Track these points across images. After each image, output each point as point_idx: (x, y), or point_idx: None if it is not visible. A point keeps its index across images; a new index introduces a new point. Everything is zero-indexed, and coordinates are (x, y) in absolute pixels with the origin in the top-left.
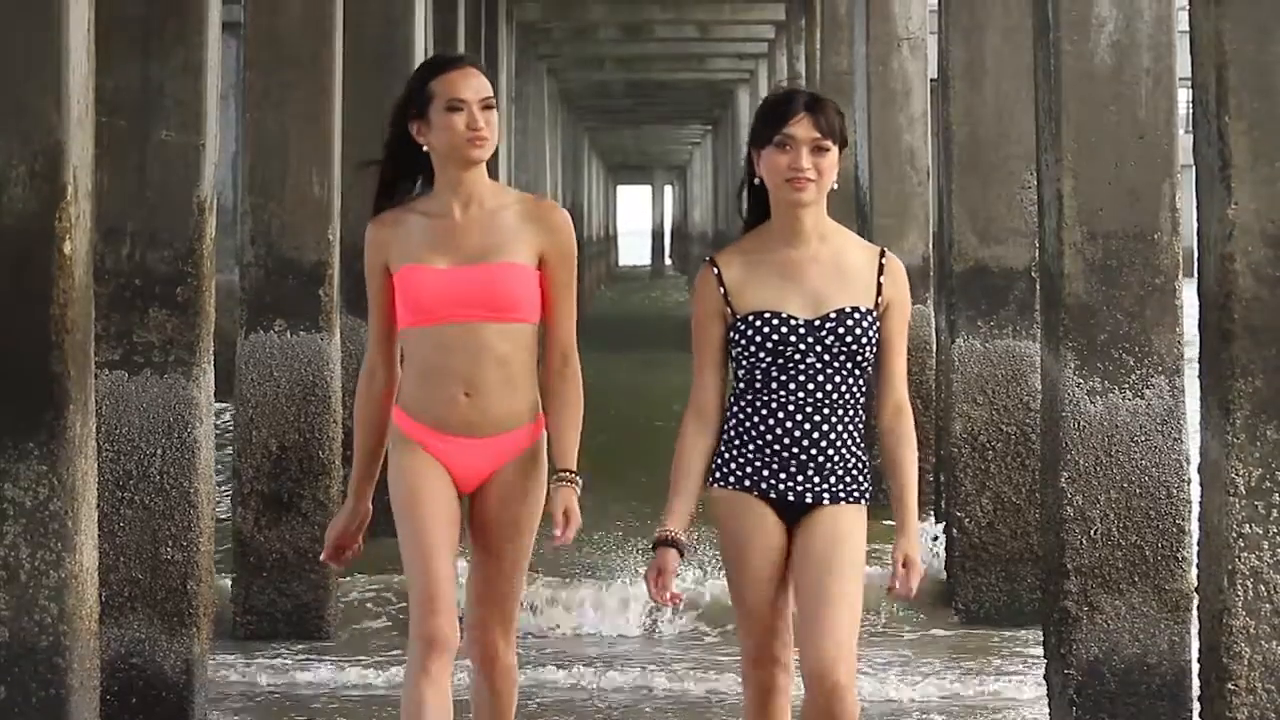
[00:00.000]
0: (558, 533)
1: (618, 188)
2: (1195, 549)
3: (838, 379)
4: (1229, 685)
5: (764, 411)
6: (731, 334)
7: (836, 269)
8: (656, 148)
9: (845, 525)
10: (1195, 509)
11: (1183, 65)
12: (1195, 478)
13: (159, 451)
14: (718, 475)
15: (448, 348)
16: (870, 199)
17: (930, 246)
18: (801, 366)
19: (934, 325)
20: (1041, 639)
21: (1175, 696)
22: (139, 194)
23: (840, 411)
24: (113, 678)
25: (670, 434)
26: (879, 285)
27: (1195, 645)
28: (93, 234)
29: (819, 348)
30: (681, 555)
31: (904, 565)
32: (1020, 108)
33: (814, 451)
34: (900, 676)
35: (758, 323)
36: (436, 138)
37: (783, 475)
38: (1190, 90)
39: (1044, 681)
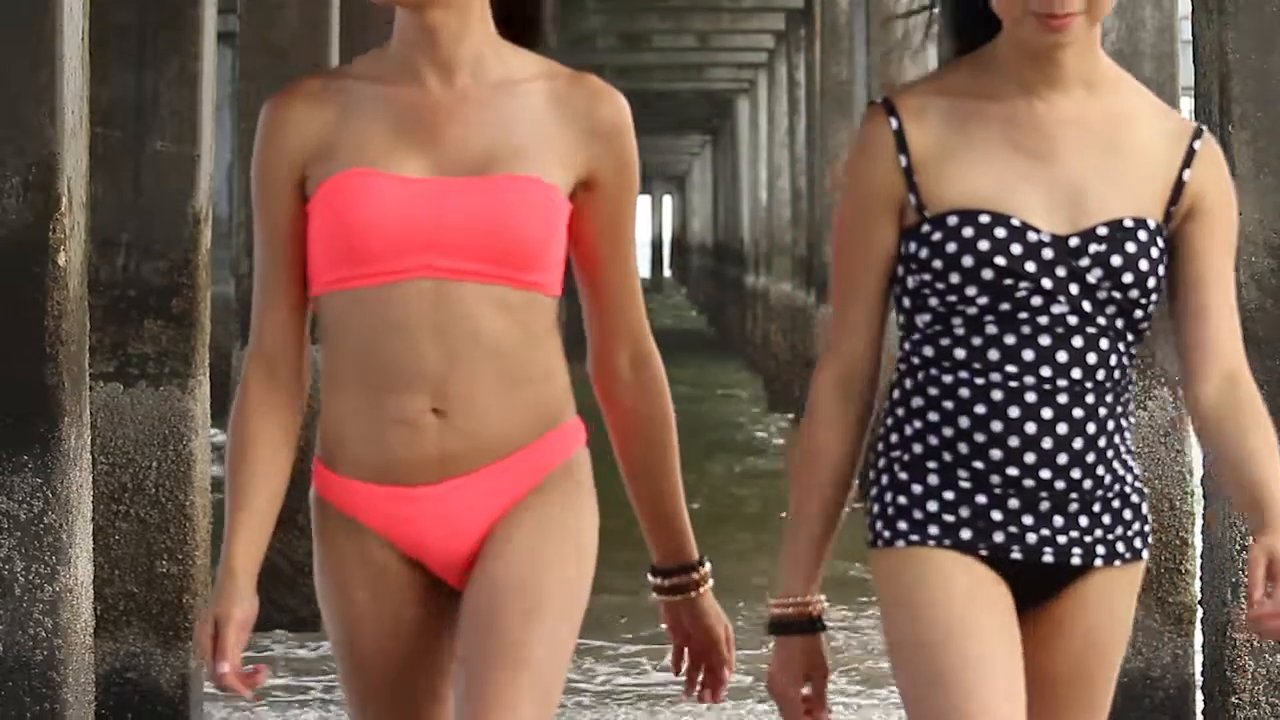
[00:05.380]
0: (727, 672)
1: None
2: (1199, 562)
3: (1104, 344)
4: (1232, 699)
5: (978, 408)
6: (913, 247)
7: (1112, 145)
8: (655, 158)
9: (1121, 604)
10: (1199, 522)
11: (1185, 75)
12: (1198, 490)
13: (154, 464)
14: (903, 526)
15: (402, 326)
16: None
17: None
18: (1042, 321)
19: None
20: None
21: (1179, 710)
22: (134, 205)
23: (1109, 400)
24: (108, 692)
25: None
26: (1178, 183)
27: (1199, 659)
28: (87, 245)
29: (1075, 286)
30: (824, 631)
31: (1270, 571)
32: None
33: (1077, 474)
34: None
35: (967, 231)
36: None
37: (1029, 520)
38: (1193, 100)
39: None
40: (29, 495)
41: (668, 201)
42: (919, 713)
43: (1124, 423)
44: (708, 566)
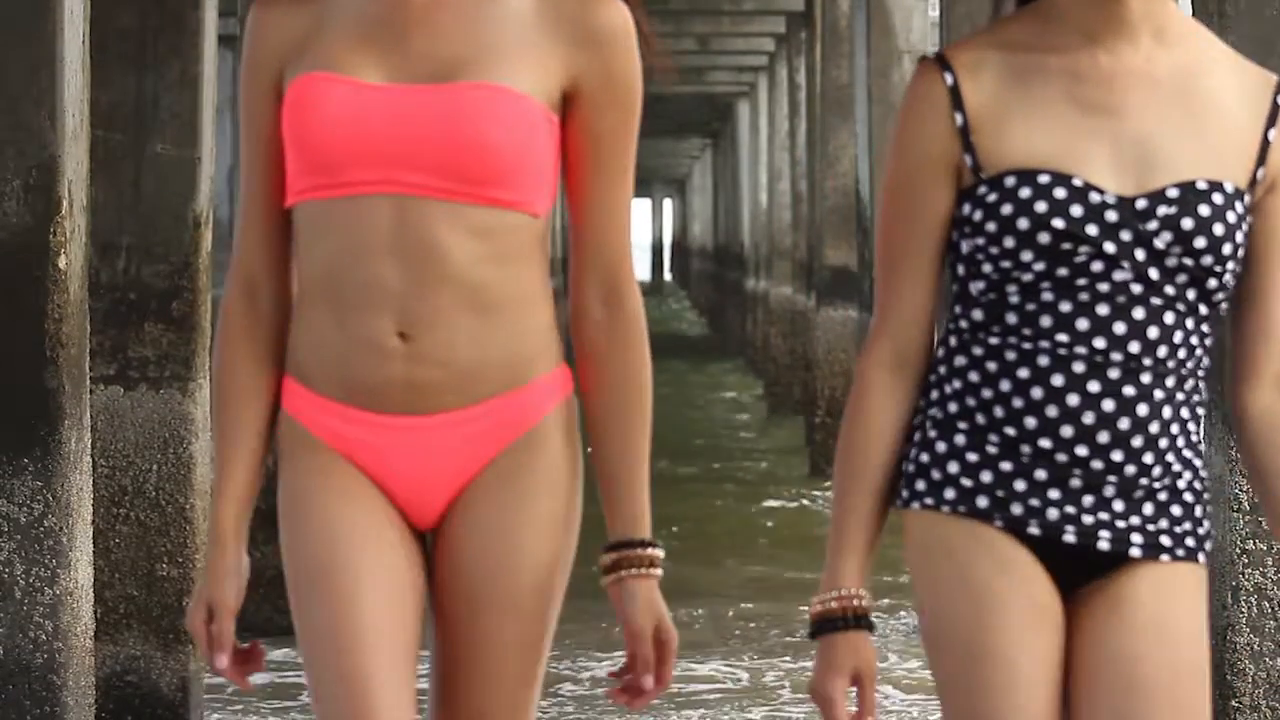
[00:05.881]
0: (648, 680)
1: None
2: None
3: (1169, 318)
4: (1233, 702)
5: (1021, 371)
6: (967, 210)
7: (1184, 100)
8: (655, 161)
9: (1182, 606)
10: None
11: None
12: None
13: (155, 467)
14: (920, 486)
15: (364, 244)
16: (871, 212)
17: None
18: (1102, 288)
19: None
20: None
21: None
22: (134, 208)
23: (1173, 382)
24: (108, 695)
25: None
26: (1263, 144)
27: None
28: (88, 248)
29: (1141, 252)
30: (872, 632)
31: None
32: None
33: (1119, 456)
34: (894, 673)
35: (1024, 192)
36: None
37: (1055, 494)
38: None
39: None
40: (29, 498)
41: (668, 205)
42: (947, 683)
43: (1186, 412)
44: (655, 551)
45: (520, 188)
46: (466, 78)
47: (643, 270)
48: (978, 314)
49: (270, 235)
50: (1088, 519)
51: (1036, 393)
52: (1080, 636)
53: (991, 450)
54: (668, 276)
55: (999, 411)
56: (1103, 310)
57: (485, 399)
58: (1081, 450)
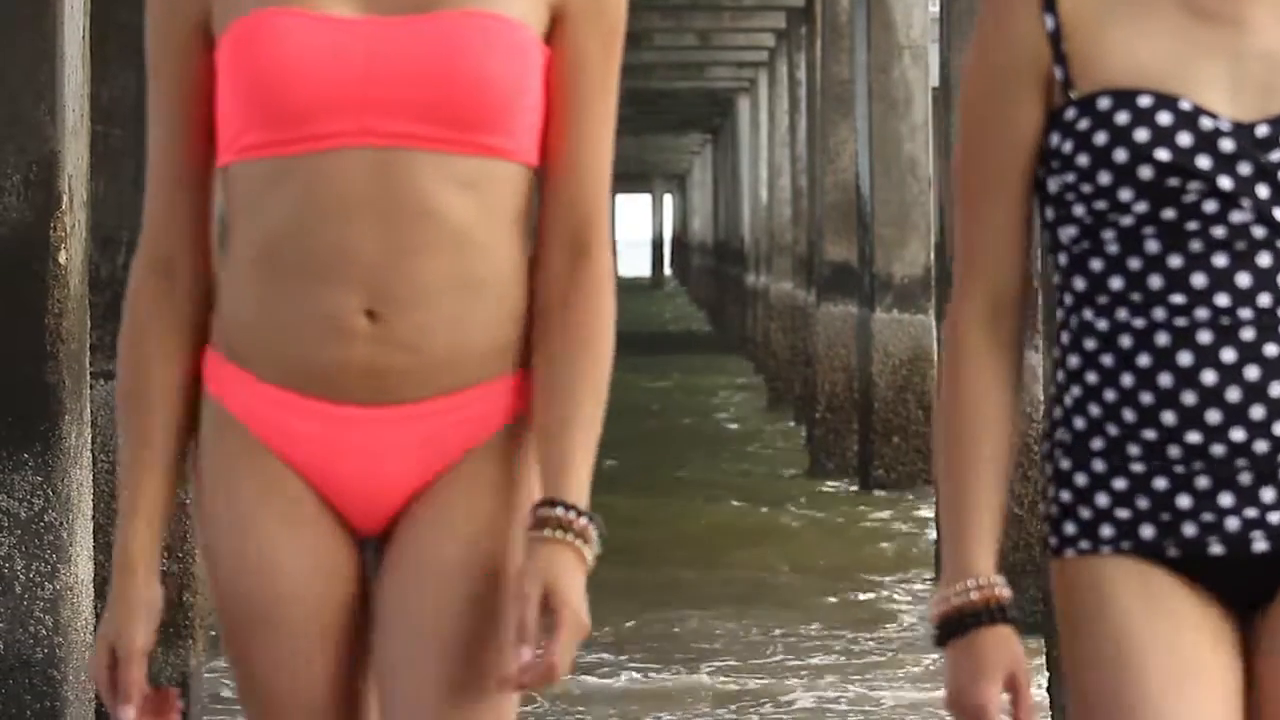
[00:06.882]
0: (523, 652)
1: (616, 196)
2: None
3: None
4: None
5: (1142, 359)
6: (1054, 140)
7: None
8: (656, 156)
9: None
10: None
11: None
12: None
13: None
14: (1070, 530)
15: (334, 207)
16: (871, 208)
17: (932, 256)
18: (1218, 233)
19: (935, 335)
20: (1044, 650)
21: None
22: (134, 203)
23: None
24: None
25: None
26: None
27: None
28: (88, 243)
29: (1264, 188)
30: (1010, 624)
31: None
32: None
33: None
34: (895, 682)
35: (1121, 117)
36: None
37: (1228, 500)
38: None
39: (1046, 694)
40: (30, 493)
41: (668, 200)
42: None
43: None
44: (584, 521)
45: (515, 133)
46: (452, 5)
47: (643, 266)
48: (1079, 282)
49: (188, 205)
50: (1274, 517)
51: (1165, 380)
52: (1258, 663)
53: (1137, 468)
54: (668, 272)
55: (1129, 415)
56: (1220, 261)
57: (454, 391)
58: (1238, 435)
